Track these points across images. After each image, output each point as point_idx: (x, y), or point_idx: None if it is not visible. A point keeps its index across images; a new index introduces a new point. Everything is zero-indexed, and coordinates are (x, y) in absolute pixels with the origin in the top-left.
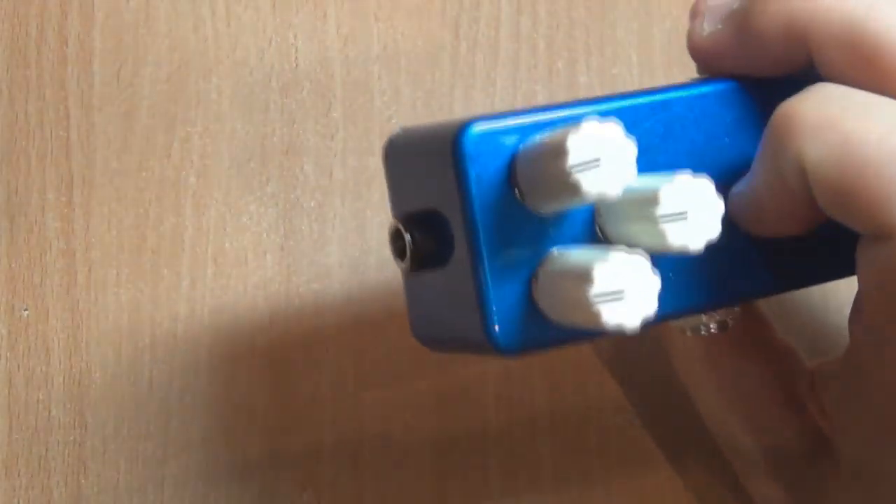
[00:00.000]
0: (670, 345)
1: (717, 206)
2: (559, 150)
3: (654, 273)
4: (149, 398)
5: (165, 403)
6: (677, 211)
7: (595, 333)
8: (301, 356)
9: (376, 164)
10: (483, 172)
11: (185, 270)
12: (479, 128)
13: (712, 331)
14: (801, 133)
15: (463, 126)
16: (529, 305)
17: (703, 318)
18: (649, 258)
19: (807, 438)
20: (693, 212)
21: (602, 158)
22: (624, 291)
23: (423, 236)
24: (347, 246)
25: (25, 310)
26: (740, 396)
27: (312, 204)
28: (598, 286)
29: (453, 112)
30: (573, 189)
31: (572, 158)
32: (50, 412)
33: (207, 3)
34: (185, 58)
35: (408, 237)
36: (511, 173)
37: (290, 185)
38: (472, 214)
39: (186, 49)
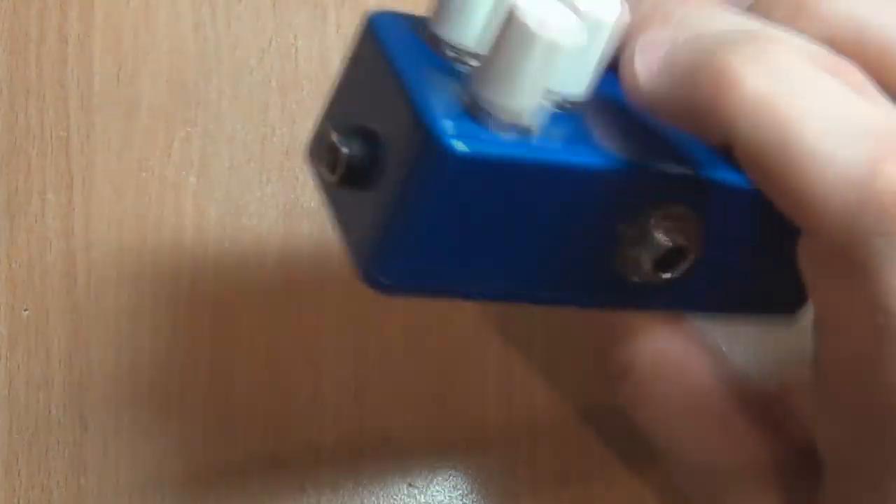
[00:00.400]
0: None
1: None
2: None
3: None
4: (149, 398)
5: (165, 403)
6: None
7: (547, 148)
8: (301, 356)
9: None
10: (396, 33)
11: (185, 270)
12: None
13: (667, 247)
14: (735, 109)
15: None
16: (468, 114)
17: (658, 218)
18: None
19: (788, 451)
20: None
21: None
22: (546, 8)
23: (360, 149)
24: None
25: (25, 310)
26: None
27: (312, 204)
28: (522, 3)
29: None
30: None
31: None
32: (50, 412)
33: (207, 3)
34: (185, 58)
35: (344, 149)
36: (425, 36)
37: (290, 185)
38: (393, 55)
39: (186, 49)
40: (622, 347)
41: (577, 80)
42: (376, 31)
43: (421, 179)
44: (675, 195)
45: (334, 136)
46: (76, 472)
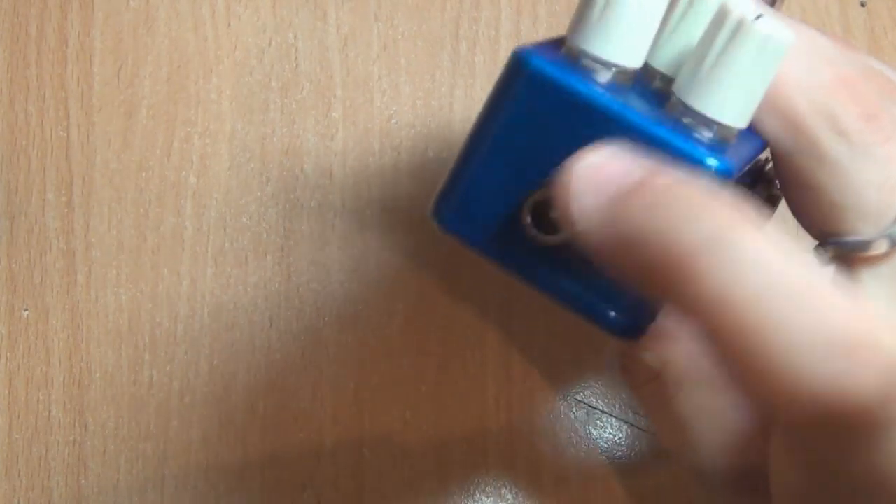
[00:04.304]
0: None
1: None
2: None
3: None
4: (149, 398)
5: (165, 403)
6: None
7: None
8: (301, 356)
9: (376, 164)
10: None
11: (185, 270)
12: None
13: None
14: (696, 303)
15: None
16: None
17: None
18: None
19: None
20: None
21: None
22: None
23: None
24: (347, 246)
25: (25, 310)
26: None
27: (312, 204)
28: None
29: (453, 112)
30: None
31: None
32: (50, 412)
33: (207, 3)
34: (185, 58)
35: (529, 218)
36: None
37: (290, 185)
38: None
39: (186, 49)
40: (651, 352)
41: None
42: (527, 65)
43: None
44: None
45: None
46: (76, 472)
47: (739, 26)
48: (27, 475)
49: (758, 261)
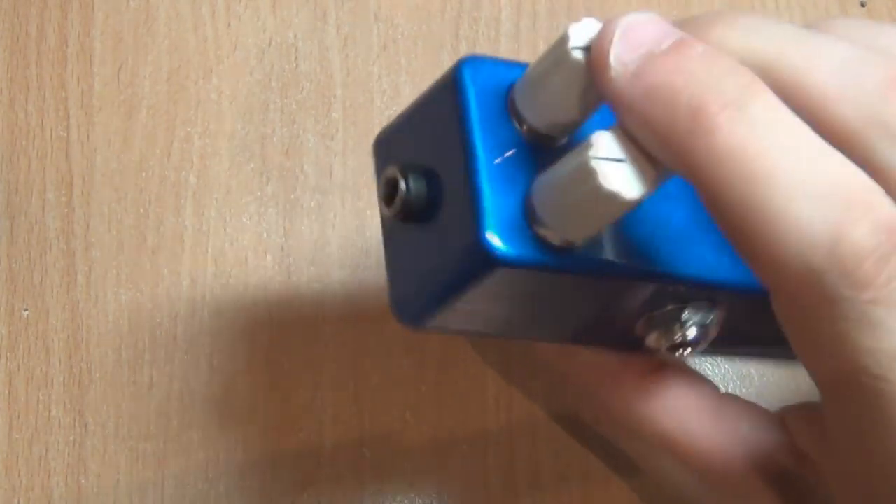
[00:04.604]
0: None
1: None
2: (561, 43)
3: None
4: (149, 398)
5: (165, 403)
6: (613, 156)
7: (588, 260)
8: (301, 356)
9: None
10: (482, 96)
11: (185, 270)
12: (476, 60)
13: (689, 337)
14: (707, 153)
15: (462, 58)
16: (524, 220)
17: (685, 316)
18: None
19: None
20: (630, 162)
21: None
22: (624, 160)
23: (419, 186)
24: (347, 246)
25: (25, 310)
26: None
27: (312, 204)
28: (597, 149)
29: None
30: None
31: (573, 40)
32: (50, 412)
33: (207, 3)
34: (185, 58)
35: (402, 183)
36: (509, 102)
37: (290, 185)
38: (471, 128)
39: (186, 49)
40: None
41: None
42: (462, 83)
43: (463, 270)
44: (702, 296)
45: (395, 171)
46: (76, 472)
47: (582, 167)
48: (27, 475)
49: (773, 120)
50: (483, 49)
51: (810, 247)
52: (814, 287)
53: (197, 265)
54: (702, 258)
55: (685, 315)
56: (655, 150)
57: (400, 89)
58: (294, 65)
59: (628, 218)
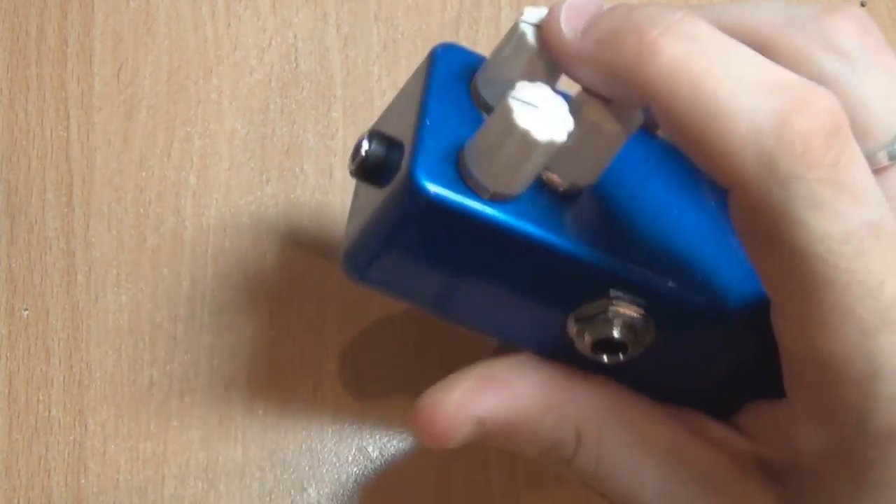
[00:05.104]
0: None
1: (565, 115)
2: (513, 31)
3: (566, 113)
4: (149, 398)
5: (165, 403)
6: (529, 101)
7: (508, 216)
8: (301, 356)
9: None
10: (448, 73)
11: (185, 270)
12: (452, 46)
13: (615, 336)
14: (655, 70)
15: (441, 44)
16: (456, 170)
17: (613, 306)
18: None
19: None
20: (544, 108)
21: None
22: (538, 106)
23: (378, 150)
24: None
25: (25, 310)
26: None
27: (312, 204)
28: (517, 92)
29: None
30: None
31: (525, 17)
32: (50, 412)
33: (207, 3)
34: (185, 58)
35: (366, 143)
36: (473, 84)
37: (290, 185)
38: (428, 95)
39: (186, 49)
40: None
41: (571, 171)
42: (434, 63)
43: (396, 207)
44: (631, 294)
45: (364, 135)
46: (76, 472)
47: (507, 116)
48: (27, 475)
49: (709, 35)
50: (483, 49)
51: (759, 133)
52: (767, 171)
53: (197, 265)
54: (636, 257)
55: (611, 312)
56: (613, 89)
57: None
58: (294, 65)
59: (579, 199)
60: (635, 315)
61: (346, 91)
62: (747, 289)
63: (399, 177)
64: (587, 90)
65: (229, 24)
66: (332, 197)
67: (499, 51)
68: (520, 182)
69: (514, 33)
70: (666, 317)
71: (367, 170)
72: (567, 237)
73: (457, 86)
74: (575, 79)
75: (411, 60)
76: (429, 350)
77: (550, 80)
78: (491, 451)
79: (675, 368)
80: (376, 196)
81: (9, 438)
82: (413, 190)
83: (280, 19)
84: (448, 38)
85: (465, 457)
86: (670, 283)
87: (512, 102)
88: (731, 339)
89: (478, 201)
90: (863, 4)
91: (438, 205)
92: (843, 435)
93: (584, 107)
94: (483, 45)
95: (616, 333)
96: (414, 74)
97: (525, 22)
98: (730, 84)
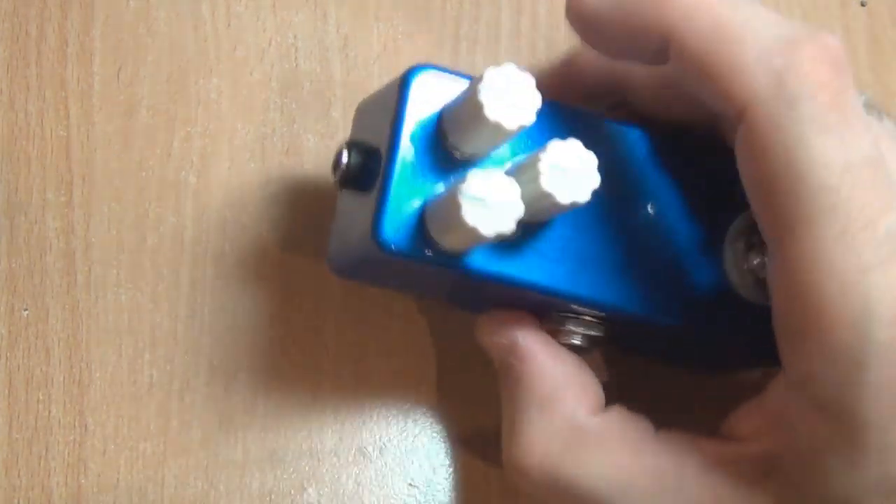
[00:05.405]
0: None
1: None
2: (475, 84)
3: (516, 201)
4: (149, 398)
5: (165, 403)
6: (560, 166)
7: (455, 262)
8: (301, 356)
9: None
10: (419, 104)
11: (185, 270)
12: (426, 70)
13: (575, 342)
14: (675, 9)
15: (414, 66)
16: (418, 222)
17: (573, 326)
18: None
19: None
20: (573, 172)
21: (507, 93)
22: (486, 200)
23: (357, 161)
24: None
25: (25, 310)
26: None
27: (312, 204)
28: (468, 187)
29: None
30: (479, 115)
31: (483, 89)
32: (50, 412)
33: (207, 3)
34: (185, 58)
35: (345, 155)
36: (440, 117)
37: (290, 185)
38: (399, 130)
39: (186, 49)
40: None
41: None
42: (406, 89)
43: (365, 248)
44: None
45: (343, 146)
46: (76, 472)
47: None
48: (27, 475)
49: None
50: (483, 49)
51: (769, 52)
52: (776, 89)
53: (197, 265)
54: (589, 281)
55: (570, 325)
56: (636, 39)
57: None
58: (294, 65)
59: (532, 235)
60: (593, 325)
61: (346, 91)
62: (694, 294)
63: (372, 217)
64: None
65: (229, 24)
66: (332, 197)
67: (457, 105)
68: (465, 248)
69: (473, 96)
70: (622, 323)
71: (349, 180)
72: (517, 273)
73: (427, 119)
74: (595, 46)
75: (411, 60)
76: (429, 350)
77: (503, 141)
78: (490, 451)
79: (663, 343)
80: (356, 204)
81: (9, 438)
82: (378, 242)
83: (280, 19)
84: (448, 37)
85: (465, 456)
86: (615, 303)
87: (461, 199)
88: (690, 331)
89: (435, 254)
90: (863, 4)
91: (397, 255)
92: (839, 395)
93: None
94: (483, 46)
95: (576, 341)
96: (387, 88)
97: (482, 91)
98: (745, 14)
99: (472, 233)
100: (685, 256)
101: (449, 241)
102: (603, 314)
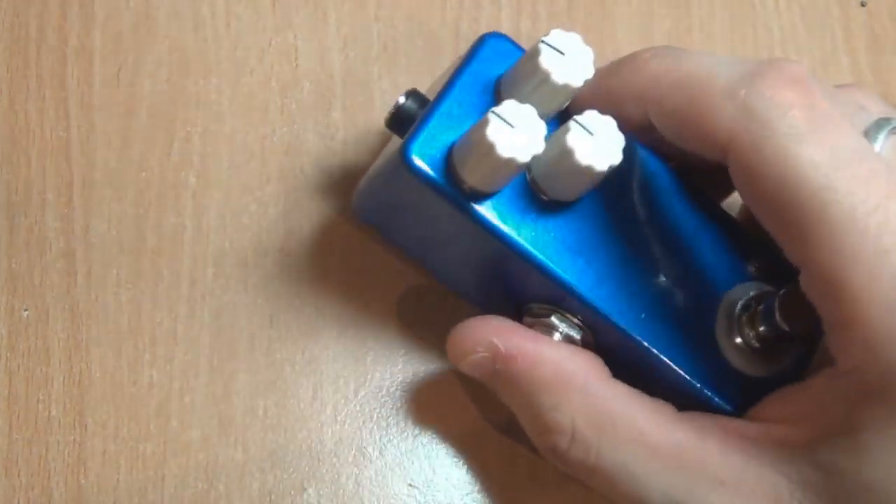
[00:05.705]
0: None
1: (618, 140)
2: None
3: (539, 136)
4: (149, 398)
5: (165, 403)
6: (588, 128)
7: (470, 206)
8: (301, 356)
9: None
10: (482, 65)
11: (185, 270)
12: (498, 38)
13: (561, 333)
14: (646, 78)
15: (493, 32)
16: (446, 156)
17: (556, 320)
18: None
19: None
20: (599, 135)
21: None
22: (514, 125)
23: (410, 106)
24: (347, 246)
25: (25, 310)
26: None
27: (312, 204)
28: (499, 108)
29: None
30: (542, 77)
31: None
32: (50, 412)
33: (207, 3)
34: (185, 58)
35: (401, 99)
36: (499, 80)
37: (290, 185)
38: (458, 75)
39: (186, 49)
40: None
41: (549, 186)
42: (477, 49)
43: (388, 165)
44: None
45: (405, 92)
46: (76, 472)
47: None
48: (27, 475)
49: (684, 49)
50: None
51: (733, 88)
52: (747, 117)
53: (197, 265)
54: (591, 281)
55: (553, 320)
56: (622, 114)
57: (400, 89)
58: (294, 65)
59: (553, 217)
60: (575, 327)
61: (346, 91)
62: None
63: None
64: (578, 122)
65: (229, 24)
66: (332, 197)
67: (521, 62)
68: (491, 184)
69: (534, 52)
70: (604, 332)
71: (396, 121)
72: (523, 240)
73: (487, 77)
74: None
75: (411, 60)
76: (428, 351)
77: (557, 105)
78: (490, 451)
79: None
80: (398, 143)
81: (9, 438)
82: (402, 158)
83: (280, 19)
84: (448, 38)
85: (465, 456)
86: (616, 314)
87: (490, 116)
88: None
89: (449, 187)
90: (863, 4)
91: (418, 177)
92: (884, 378)
93: (566, 134)
94: None
95: (557, 338)
96: (465, 54)
97: (544, 43)
98: (706, 62)
99: (490, 151)
100: (687, 299)
101: (469, 167)
102: (589, 320)
